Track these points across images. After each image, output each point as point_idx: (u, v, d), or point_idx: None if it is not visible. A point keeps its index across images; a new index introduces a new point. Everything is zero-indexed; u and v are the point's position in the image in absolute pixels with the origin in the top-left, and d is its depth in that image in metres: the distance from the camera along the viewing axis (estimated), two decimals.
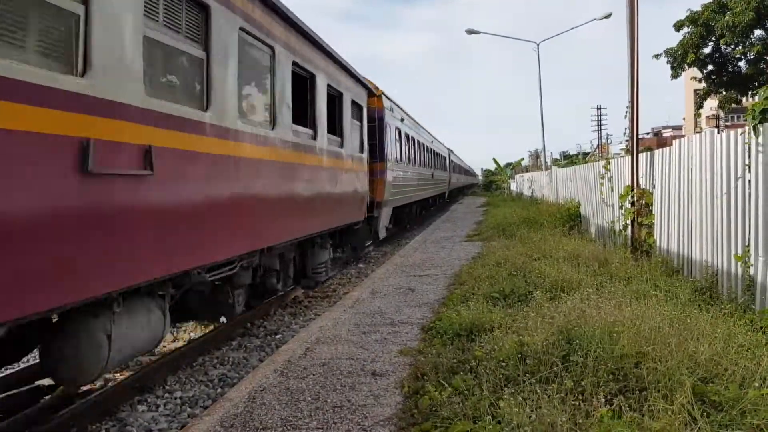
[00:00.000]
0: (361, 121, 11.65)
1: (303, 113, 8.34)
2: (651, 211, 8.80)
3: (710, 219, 6.61)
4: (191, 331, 7.53)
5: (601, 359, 4.00)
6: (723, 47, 25.01)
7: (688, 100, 57.80)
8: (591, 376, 3.81)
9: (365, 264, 13.29)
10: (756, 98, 7.38)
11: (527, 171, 51.57)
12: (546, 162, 34.51)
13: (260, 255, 6.84)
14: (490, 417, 3.40)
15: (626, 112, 9.38)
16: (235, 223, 5.78)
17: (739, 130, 5.98)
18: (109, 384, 5.42)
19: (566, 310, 5.16)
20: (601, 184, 11.48)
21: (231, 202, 5.61)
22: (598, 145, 70.78)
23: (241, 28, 5.87)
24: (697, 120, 47.95)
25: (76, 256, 3.54)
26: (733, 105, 30.13)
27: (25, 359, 5.57)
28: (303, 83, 8.34)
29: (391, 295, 7.97)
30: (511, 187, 42.18)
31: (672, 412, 3.24)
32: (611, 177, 10.92)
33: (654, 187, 8.69)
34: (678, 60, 26.00)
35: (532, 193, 27.95)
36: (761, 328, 4.84)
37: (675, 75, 26.80)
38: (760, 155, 5.42)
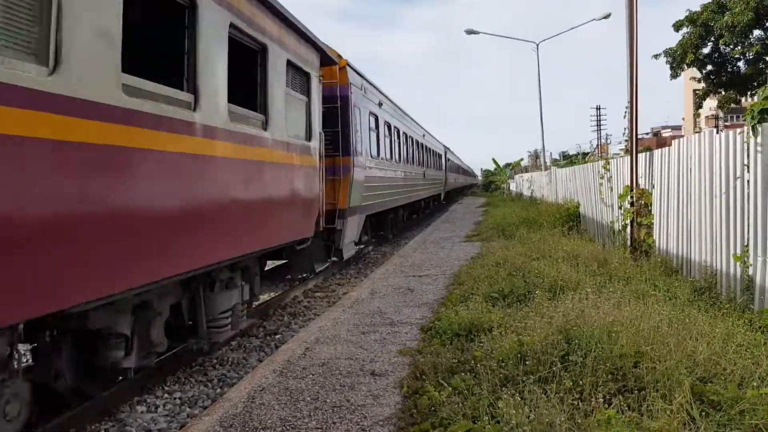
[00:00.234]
0: (308, 95, 8.07)
1: (173, 63, 5.37)
2: (650, 211, 8.81)
3: (709, 219, 6.61)
4: None
5: (600, 359, 4.01)
6: (722, 47, 25.07)
7: (688, 100, 57.88)
8: (590, 376, 3.82)
9: (364, 264, 13.30)
10: (755, 98, 7.39)
11: (527, 171, 51.61)
12: (545, 162, 34.53)
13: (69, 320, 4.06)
14: (489, 416, 3.41)
15: (626, 112, 9.40)
16: None
17: (738, 130, 5.99)
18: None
19: (565, 310, 5.16)
20: (601, 184, 11.49)
21: None
22: (597, 145, 70.85)
23: None
24: (697, 120, 48.00)
25: None
26: (733, 105, 30.18)
27: None
28: (172, 9, 5.06)
29: (391, 296, 7.97)
30: (511, 188, 42.21)
31: (671, 411, 3.25)
32: (610, 177, 10.93)
33: (653, 187, 8.70)
34: (677, 60, 26.07)
35: (531, 193, 27.99)
36: (760, 327, 4.84)
37: (674, 75, 26.88)
38: (759, 155, 5.43)
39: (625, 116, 9.47)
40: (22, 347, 4.46)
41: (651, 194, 8.81)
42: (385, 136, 14.13)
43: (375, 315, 6.84)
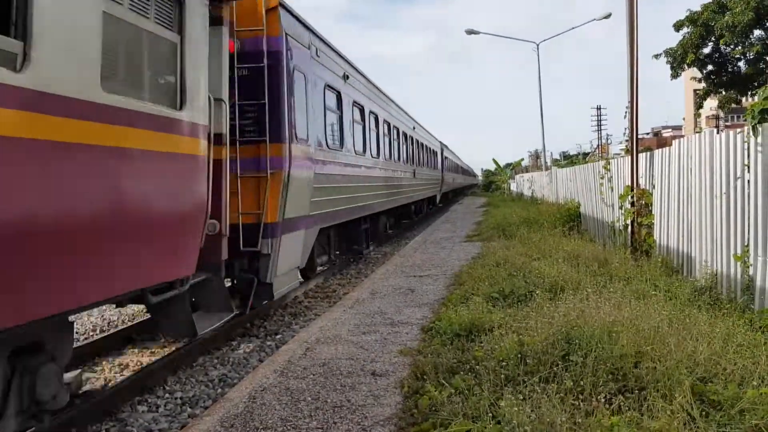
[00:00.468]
0: (179, 30, 4.86)
1: None
2: (651, 211, 8.81)
3: (709, 219, 6.62)
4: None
5: (600, 359, 4.01)
6: (723, 47, 25.05)
7: (688, 100, 57.88)
8: (590, 376, 3.82)
9: (365, 264, 13.30)
10: (755, 98, 7.39)
11: (527, 171, 51.62)
12: (546, 162, 34.55)
13: None
14: (490, 416, 3.41)
15: (626, 112, 9.42)
16: None
17: (738, 130, 5.99)
18: (110, 384, 5.43)
19: (566, 310, 5.17)
20: (601, 185, 11.50)
21: None
22: (598, 145, 70.84)
23: None
24: (697, 120, 47.96)
25: None
26: (733, 105, 30.17)
27: None
28: None
29: (391, 296, 7.98)
30: (511, 188, 42.20)
31: (671, 411, 3.25)
32: (611, 177, 10.94)
33: (654, 187, 8.70)
34: (678, 60, 26.04)
35: (532, 193, 27.97)
36: (760, 327, 4.85)
37: (675, 75, 26.85)
38: (759, 155, 5.43)
39: (625, 116, 9.49)
40: None
41: (651, 194, 8.81)
42: (354, 121, 11.16)
43: (376, 315, 6.85)
